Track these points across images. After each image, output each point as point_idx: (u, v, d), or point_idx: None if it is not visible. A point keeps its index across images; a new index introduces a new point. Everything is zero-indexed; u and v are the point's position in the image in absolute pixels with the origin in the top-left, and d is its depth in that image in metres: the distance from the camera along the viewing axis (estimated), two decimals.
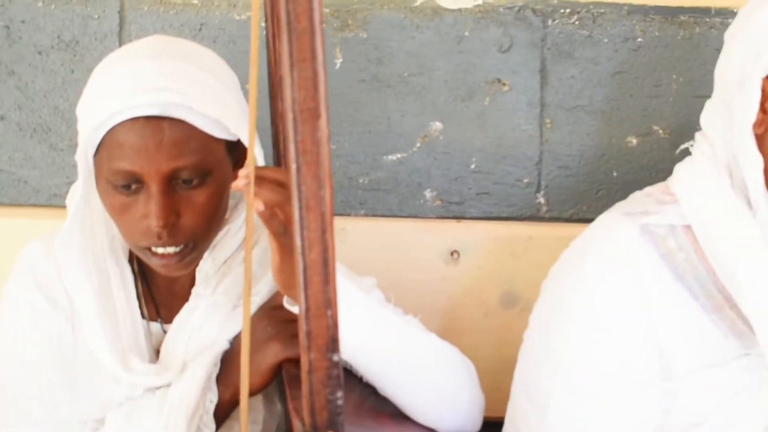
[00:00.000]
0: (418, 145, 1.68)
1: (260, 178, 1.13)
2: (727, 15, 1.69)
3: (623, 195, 1.67)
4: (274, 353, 1.28)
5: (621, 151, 1.70)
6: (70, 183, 1.60)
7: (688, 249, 1.28)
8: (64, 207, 1.41)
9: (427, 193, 1.68)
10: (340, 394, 1.03)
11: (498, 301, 1.67)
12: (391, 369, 1.29)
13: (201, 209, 1.29)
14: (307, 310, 1.00)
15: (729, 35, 1.34)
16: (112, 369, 1.32)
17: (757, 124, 1.25)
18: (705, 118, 1.36)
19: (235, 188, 1.14)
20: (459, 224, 1.68)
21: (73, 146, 1.60)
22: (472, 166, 1.68)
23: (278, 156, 1.41)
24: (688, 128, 1.69)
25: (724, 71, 1.32)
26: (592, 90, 1.69)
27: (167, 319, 1.37)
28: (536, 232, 1.68)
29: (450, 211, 1.68)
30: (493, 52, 1.67)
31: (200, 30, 1.62)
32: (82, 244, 1.35)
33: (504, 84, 1.67)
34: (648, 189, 1.38)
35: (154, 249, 1.29)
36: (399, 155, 1.68)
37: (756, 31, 1.27)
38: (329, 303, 1.00)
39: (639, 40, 1.68)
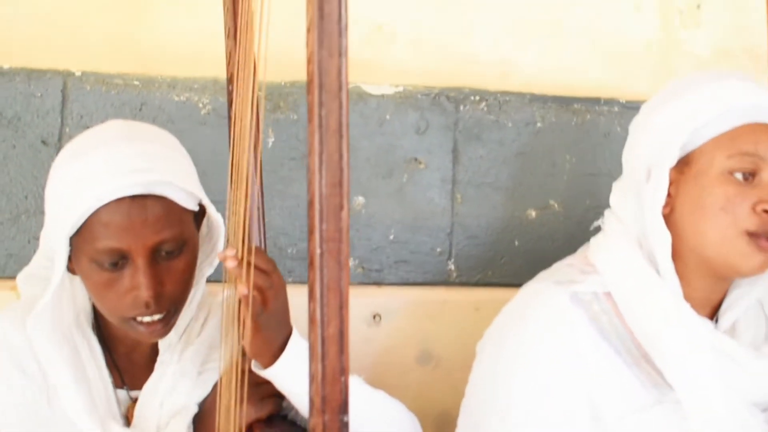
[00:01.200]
0: None
1: (248, 264, 1.28)
2: (612, 104, 1.93)
3: (524, 262, 1.89)
4: (246, 414, 1.37)
5: (522, 222, 1.90)
6: (9, 255, 1.71)
7: (610, 312, 1.46)
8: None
9: (350, 262, 1.85)
10: None
11: (415, 360, 1.83)
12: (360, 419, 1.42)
13: (181, 277, 1.39)
14: (324, 377, 1.14)
15: (634, 126, 1.54)
16: None
17: (664, 206, 1.45)
18: (615, 198, 1.54)
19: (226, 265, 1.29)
20: (379, 289, 1.83)
21: (13, 219, 1.70)
22: (391, 237, 1.84)
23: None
24: (579, 202, 1.93)
25: (631, 160, 1.52)
26: (498, 168, 1.89)
27: (132, 386, 1.45)
28: (448, 296, 1.86)
29: (371, 278, 1.83)
30: (411, 134, 1.85)
31: (140, 109, 1.72)
32: (50, 319, 1.41)
33: (420, 162, 1.85)
34: (568, 260, 1.57)
35: (140, 319, 1.37)
36: None
37: (662, 125, 1.47)
38: (343, 371, 1.14)
39: (538, 124, 1.90)
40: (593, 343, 1.45)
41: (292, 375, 1.37)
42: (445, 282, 1.88)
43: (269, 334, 1.35)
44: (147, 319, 1.38)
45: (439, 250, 1.87)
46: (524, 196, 1.90)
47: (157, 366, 1.46)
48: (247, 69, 1.31)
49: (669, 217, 1.47)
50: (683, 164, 1.45)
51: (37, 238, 1.68)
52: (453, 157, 1.87)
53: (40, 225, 1.68)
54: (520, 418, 1.43)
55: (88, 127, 1.67)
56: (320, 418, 1.15)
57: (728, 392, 1.44)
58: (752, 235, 1.42)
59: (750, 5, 1.98)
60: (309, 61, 1.13)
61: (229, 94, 1.53)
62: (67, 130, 1.72)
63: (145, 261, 1.35)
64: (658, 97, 1.53)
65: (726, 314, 1.51)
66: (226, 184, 1.46)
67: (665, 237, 1.44)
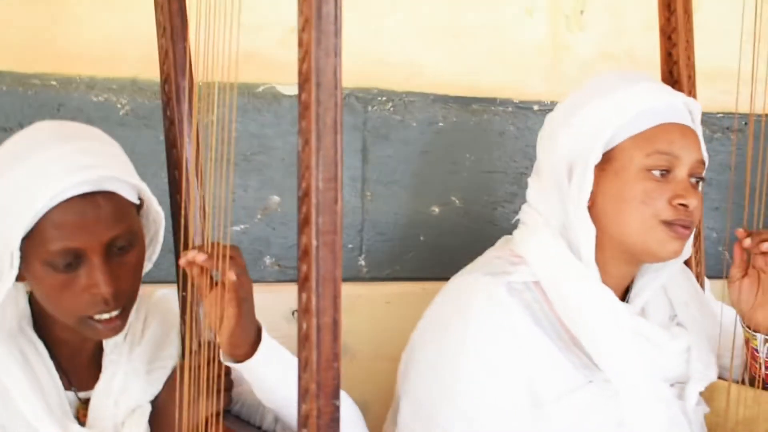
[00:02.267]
0: (259, 216, 1.92)
1: (220, 256, 1.34)
2: (507, 104, 2.07)
3: (429, 256, 2.00)
4: (204, 408, 1.42)
5: (426, 218, 2.01)
6: None
7: (540, 301, 1.58)
8: None
9: (267, 259, 1.90)
10: None
11: None
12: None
13: (133, 271, 1.42)
14: (319, 364, 1.21)
15: (552, 126, 1.65)
16: None
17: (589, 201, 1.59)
18: (533, 194, 1.67)
19: (193, 263, 1.36)
20: (296, 286, 1.92)
21: None
22: None
23: (176, 216, 1.55)
24: (478, 198, 2.05)
25: (549, 158, 1.63)
26: (404, 167, 1.99)
27: (79, 387, 1.46)
28: (361, 291, 1.95)
29: (287, 275, 1.90)
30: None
31: (58, 110, 1.73)
32: None
33: None
34: (494, 252, 1.68)
35: (98, 317, 1.39)
36: (242, 226, 1.91)
37: (583, 125, 1.59)
38: (336, 357, 1.21)
39: (440, 124, 2.01)
40: (529, 330, 1.57)
41: (268, 366, 1.44)
42: (357, 277, 1.97)
43: (247, 323, 1.40)
44: (105, 316, 1.39)
45: (350, 246, 1.96)
46: (428, 193, 2.01)
47: (107, 366, 1.47)
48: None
49: (591, 210, 1.60)
50: (604, 161, 1.59)
51: None
52: (362, 156, 1.96)
53: None
54: (469, 404, 1.53)
55: (4, 129, 1.71)
56: (314, 403, 1.23)
57: (648, 370, 1.59)
58: (668, 224, 1.57)
59: (628, 11, 2.17)
60: (303, 60, 1.22)
61: (166, 93, 1.55)
62: None
63: (100, 258, 1.37)
64: (576, 98, 1.66)
65: (636, 299, 1.66)
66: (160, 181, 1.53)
67: (590, 230, 1.58)
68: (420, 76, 1.99)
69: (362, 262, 1.97)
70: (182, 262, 1.40)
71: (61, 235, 1.36)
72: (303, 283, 1.24)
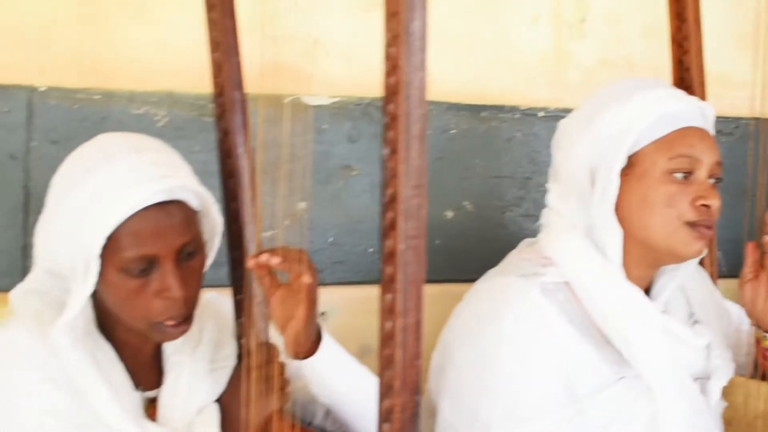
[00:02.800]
0: (287, 222, 2.00)
1: (292, 259, 1.48)
2: (514, 111, 2.17)
3: (443, 259, 2.10)
4: (268, 406, 1.52)
5: (441, 222, 2.11)
6: None
7: (571, 300, 1.69)
8: None
9: None
10: (418, 428, 1.37)
11: (356, 352, 2.01)
12: (366, 406, 1.56)
13: (198, 276, 1.51)
14: (404, 362, 1.32)
15: (574, 133, 1.74)
16: None
17: None
18: (554, 198, 1.77)
19: (263, 266, 1.48)
20: (322, 289, 2.01)
21: None
22: (330, 239, 2.02)
23: (231, 223, 1.64)
24: (488, 203, 2.16)
25: (571, 164, 1.73)
26: None
27: (144, 387, 1.53)
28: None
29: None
30: (344, 142, 2.02)
31: (101, 123, 1.78)
32: (71, 329, 1.46)
33: (353, 169, 2.02)
34: (520, 255, 1.78)
35: (162, 322, 1.47)
36: (271, 232, 1.99)
37: (607, 131, 1.69)
38: (418, 355, 1.32)
39: (453, 131, 2.10)
40: (564, 329, 1.68)
41: (328, 362, 1.56)
42: (379, 281, 2.05)
43: (313, 322, 1.52)
44: (173, 321, 1.48)
45: (371, 250, 2.05)
46: (442, 198, 2.10)
47: (171, 367, 1.55)
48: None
49: (615, 213, 1.70)
50: (627, 166, 1.70)
51: (8, 252, 1.78)
52: (381, 165, 2.05)
53: (10, 240, 1.78)
54: (509, 399, 1.63)
55: (53, 141, 1.79)
56: (398, 398, 1.34)
57: (677, 366, 1.71)
58: (691, 225, 1.68)
59: (627, 18, 2.29)
60: (390, 74, 1.32)
61: (219, 105, 1.64)
62: (34, 144, 1.77)
63: (172, 264, 1.46)
64: (593, 104, 1.76)
65: (658, 298, 1.77)
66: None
67: (617, 232, 1.69)
68: (433, 84, 2.07)
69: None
70: (251, 263, 1.51)
71: (137, 243, 1.44)
72: (388, 284, 1.35)
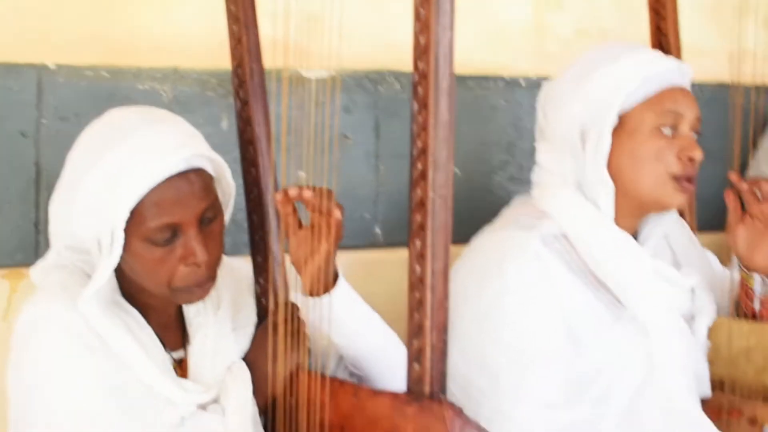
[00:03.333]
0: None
1: (321, 196, 1.58)
2: (498, 81, 2.26)
3: None
4: (293, 359, 1.59)
5: None
6: None
7: (568, 249, 1.79)
8: None
9: None
10: (447, 367, 1.45)
11: None
12: (378, 347, 1.69)
13: (218, 240, 1.56)
14: (433, 304, 1.41)
15: (564, 96, 1.82)
16: (170, 394, 1.51)
17: None
18: (546, 157, 1.86)
19: (287, 202, 1.58)
20: None
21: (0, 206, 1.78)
22: None
23: (250, 189, 1.72)
24: (475, 168, 2.25)
25: (563, 125, 1.81)
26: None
27: (171, 348, 1.59)
28: (378, 257, 2.12)
29: None
30: (341, 114, 2.10)
31: (109, 99, 1.80)
32: (99, 298, 1.51)
33: (349, 139, 2.10)
34: (516, 210, 1.88)
35: (186, 285, 1.52)
36: None
37: (596, 93, 1.78)
38: (446, 297, 1.42)
39: None
40: (563, 276, 1.77)
41: (344, 299, 1.64)
42: (373, 244, 2.13)
43: (334, 260, 1.62)
44: (197, 283, 1.54)
45: (367, 216, 2.12)
46: None
47: (196, 329, 1.62)
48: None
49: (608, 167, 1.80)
50: (617, 125, 1.79)
51: (21, 228, 1.81)
52: (375, 134, 2.13)
53: (22, 215, 1.81)
54: (515, 343, 1.72)
55: (63, 118, 1.83)
56: (427, 339, 1.42)
57: (667, 306, 1.82)
58: (676, 179, 1.79)
59: None
60: (421, 32, 1.41)
61: (239, 76, 1.72)
62: (44, 121, 1.80)
63: (194, 229, 1.52)
64: (581, 68, 1.84)
65: (645, 244, 1.87)
66: None
67: (609, 187, 1.79)
68: None
69: (378, 230, 2.14)
70: (280, 198, 1.59)
71: (161, 213, 1.49)
72: (418, 231, 1.43)
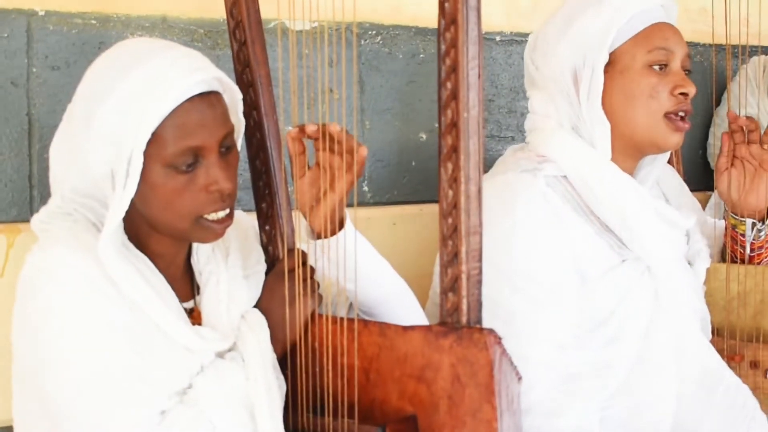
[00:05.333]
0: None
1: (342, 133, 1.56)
2: None
3: (420, 180, 2.19)
4: (308, 305, 1.56)
5: (416, 144, 2.20)
6: None
7: (571, 191, 1.80)
8: None
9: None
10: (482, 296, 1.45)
11: None
12: (391, 288, 1.68)
13: (235, 170, 1.53)
14: (468, 229, 1.40)
15: (551, 40, 1.83)
16: (187, 341, 1.48)
17: None
18: (538, 102, 1.86)
19: (298, 139, 1.58)
20: None
21: None
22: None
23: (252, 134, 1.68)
24: None
25: (553, 69, 1.82)
26: (394, 96, 2.16)
27: (181, 298, 1.55)
28: (368, 214, 2.08)
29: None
30: (325, 67, 2.09)
31: (98, 47, 1.77)
32: (113, 242, 1.46)
33: (336, 93, 2.10)
34: (514, 155, 1.87)
35: (209, 217, 1.48)
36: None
37: (586, 33, 1.79)
38: (481, 223, 1.41)
39: (422, 55, 2.19)
40: (569, 216, 1.78)
41: (354, 240, 1.61)
42: (362, 202, 2.12)
43: (345, 199, 1.58)
44: (221, 214, 1.50)
45: None
46: (416, 121, 2.19)
47: (208, 276, 1.58)
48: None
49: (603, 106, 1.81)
50: (608, 64, 1.80)
51: (14, 182, 1.77)
52: (359, 88, 2.12)
53: (16, 169, 1.77)
54: (525, 282, 1.73)
55: (53, 67, 1.79)
56: (464, 266, 1.42)
57: (670, 246, 1.85)
58: (670, 118, 1.81)
59: None
60: None
61: (234, 18, 1.67)
62: (34, 70, 1.76)
63: (216, 156, 1.48)
64: (566, 13, 1.86)
65: (642, 186, 1.87)
66: None
67: (605, 125, 1.80)
68: (402, 10, 2.17)
69: (366, 188, 2.14)
70: (294, 134, 1.60)
71: (183, 135, 1.45)
72: (449, 154, 1.42)
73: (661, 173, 1.99)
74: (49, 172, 1.56)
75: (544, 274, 1.74)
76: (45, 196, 1.60)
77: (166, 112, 1.44)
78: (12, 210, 1.76)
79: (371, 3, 2.13)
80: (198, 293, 1.61)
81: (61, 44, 1.79)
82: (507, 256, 1.74)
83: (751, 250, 2.03)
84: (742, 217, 2.01)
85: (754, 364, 1.95)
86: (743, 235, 2.03)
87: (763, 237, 2.05)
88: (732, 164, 2.00)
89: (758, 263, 2.05)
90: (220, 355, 1.53)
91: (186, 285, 1.61)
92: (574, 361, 1.73)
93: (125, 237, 1.53)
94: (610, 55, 1.82)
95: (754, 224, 2.03)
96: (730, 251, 2.06)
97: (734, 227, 2.03)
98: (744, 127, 2.01)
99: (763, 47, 2.59)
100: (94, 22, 1.83)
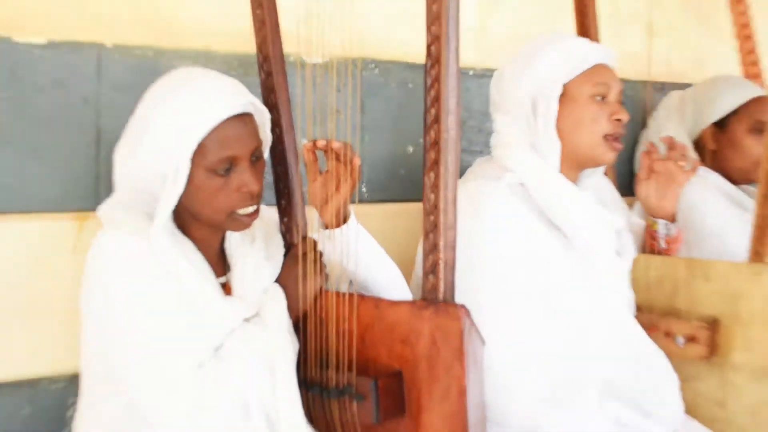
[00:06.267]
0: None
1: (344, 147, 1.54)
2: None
3: (407, 185, 2.14)
4: (317, 284, 1.55)
5: (404, 155, 2.15)
6: (65, 190, 1.70)
7: (527, 197, 1.77)
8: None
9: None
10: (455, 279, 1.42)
11: None
12: (384, 270, 1.65)
13: (262, 176, 1.52)
14: (446, 225, 1.39)
15: (516, 74, 1.80)
16: (220, 308, 1.47)
17: None
18: (501, 125, 1.83)
19: (312, 151, 1.57)
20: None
21: (65, 162, 1.70)
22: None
23: (276, 148, 1.64)
24: None
25: (516, 96, 1.79)
26: (387, 117, 2.12)
27: (217, 275, 1.54)
28: (366, 210, 1.93)
29: None
30: (334, 93, 2.06)
31: (154, 74, 1.61)
32: (164, 230, 1.46)
33: (341, 113, 2.07)
34: (481, 167, 1.84)
35: (240, 212, 1.48)
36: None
37: (544, 69, 1.77)
38: (456, 220, 1.40)
39: (410, 85, 2.15)
40: (527, 216, 1.75)
41: (357, 231, 1.60)
42: (361, 200, 2.06)
43: (349, 199, 1.57)
44: (245, 210, 1.50)
45: None
46: (405, 137, 2.15)
47: (237, 258, 1.56)
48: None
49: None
50: (561, 95, 1.78)
51: (84, 179, 1.73)
52: (360, 110, 2.08)
53: (86, 169, 1.73)
54: (496, 266, 1.70)
55: (117, 89, 1.75)
56: (442, 254, 1.39)
57: (606, 241, 1.81)
58: (608, 139, 1.78)
59: (527, 3, 2.40)
60: (434, 1, 1.38)
61: (263, 53, 1.64)
62: (102, 91, 1.73)
63: (247, 163, 1.48)
64: (528, 52, 1.83)
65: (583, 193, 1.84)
66: None
67: (557, 144, 1.78)
68: (394, 48, 2.13)
69: (364, 190, 2.09)
70: (309, 147, 1.57)
71: (223, 146, 1.45)
72: (432, 166, 1.40)
73: (598, 182, 1.97)
74: (112, 172, 1.54)
75: (508, 259, 1.72)
76: (108, 190, 1.58)
77: (210, 128, 1.44)
78: (82, 201, 1.72)
79: (370, 42, 2.10)
80: (229, 271, 1.58)
81: (123, 71, 1.76)
82: (478, 247, 1.71)
83: (666, 244, 2.01)
84: (657, 218, 1.99)
85: (668, 334, 1.93)
86: (658, 233, 2.01)
87: (673, 234, 2.03)
88: (649, 177, 1.98)
89: (670, 255, 2.04)
90: (247, 320, 1.52)
91: (220, 264, 1.58)
92: (527, 330, 1.70)
93: (173, 225, 1.51)
94: (564, 87, 1.79)
95: (666, 224, 2.01)
96: (649, 245, 2.04)
97: (651, 226, 2.02)
98: (666, 144, 1.99)
99: (678, 84, 2.57)
100: (150, 53, 1.79)
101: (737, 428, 1.92)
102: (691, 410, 1.91)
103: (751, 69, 2.46)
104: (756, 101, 2.31)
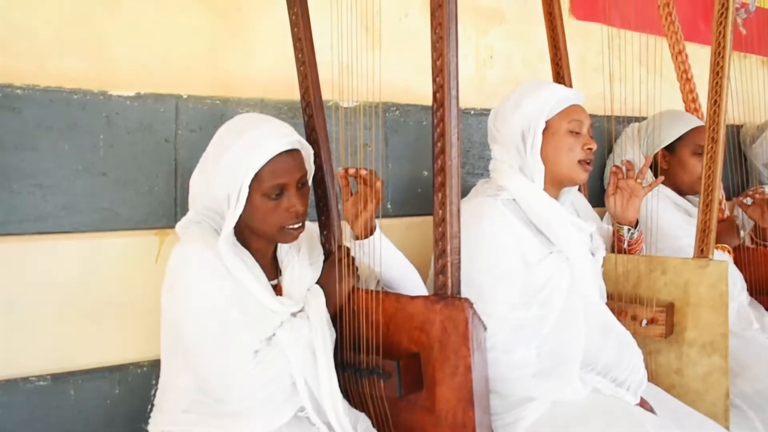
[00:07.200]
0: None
1: (369, 173, 1.46)
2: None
3: (422, 202, 2.06)
4: (351, 283, 1.49)
5: (420, 178, 2.07)
6: (148, 213, 1.65)
7: (518, 209, 1.69)
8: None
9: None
10: (460, 278, 1.34)
11: None
12: (404, 271, 1.58)
13: (306, 200, 1.47)
14: (452, 234, 1.32)
15: (508, 113, 1.72)
16: (272, 305, 1.41)
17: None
18: (498, 153, 1.74)
19: (345, 176, 1.47)
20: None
21: (149, 191, 1.64)
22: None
23: (317, 174, 1.57)
24: None
25: (509, 130, 1.71)
26: (407, 149, 2.05)
27: (269, 278, 1.48)
28: (391, 222, 1.99)
29: None
30: (362, 130, 2.01)
31: (221, 118, 1.70)
32: (227, 242, 1.40)
33: (370, 146, 2.02)
34: (482, 186, 1.75)
35: (290, 227, 1.43)
36: None
37: (531, 108, 1.69)
38: (460, 230, 1.32)
39: (424, 123, 2.07)
40: (518, 225, 1.67)
41: (382, 241, 1.54)
42: (386, 214, 2.01)
43: (375, 215, 1.51)
44: (296, 225, 1.44)
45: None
46: (421, 164, 2.07)
47: (287, 264, 1.50)
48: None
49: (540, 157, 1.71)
50: (544, 129, 1.71)
51: (165, 202, 1.67)
52: (385, 143, 2.01)
53: (166, 194, 1.68)
54: (493, 267, 1.62)
55: (192, 130, 1.69)
56: (449, 258, 1.31)
57: (580, 244, 1.73)
58: (581, 163, 1.71)
59: (514, 55, 2.32)
60: (438, 58, 1.30)
61: (305, 99, 1.58)
62: (180, 132, 1.68)
63: (294, 190, 1.43)
64: (518, 95, 1.75)
65: (563, 206, 1.75)
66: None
67: (541, 168, 1.70)
68: (412, 94, 2.07)
69: (389, 206, 2.03)
70: (342, 173, 1.49)
71: (275, 176, 1.40)
72: (440, 187, 1.32)
73: (575, 197, 1.88)
74: (187, 196, 1.49)
75: (501, 262, 1.64)
76: (184, 211, 1.53)
77: (265, 161, 1.39)
78: (163, 220, 1.68)
79: (392, 90, 2.03)
80: (280, 275, 1.52)
81: (196, 115, 1.71)
82: (479, 250, 1.64)
83: (629, 245, 1.93)
84: (622, 224, 1.90)
85: (634, 318, 1.85)
86: (623, 236, 1.92)
87: (635, 237, 1.94)
88: (615, 192, 1.89)
89: (633, 253, 1.94)
90: (294, 315, 1.46)
91: (273, 269, 1.52)
92: (520, 317, 1.62)
93: (235, 238, 1.46)
94: (546, 122, 1.72)
95: (629, 229, 1.92)
96: (616, 246, 1.95)
97: (618, 231, 1.92)
98: (625, 167, 1.90)
99: (636, 117, 2.48)
100: (218, 102, 1.74)
101: (692, 392, 1.86)
102: (653, 378, 1.88)
103: (691, 104, 2.44)
104: (696, 130, 2.29)
